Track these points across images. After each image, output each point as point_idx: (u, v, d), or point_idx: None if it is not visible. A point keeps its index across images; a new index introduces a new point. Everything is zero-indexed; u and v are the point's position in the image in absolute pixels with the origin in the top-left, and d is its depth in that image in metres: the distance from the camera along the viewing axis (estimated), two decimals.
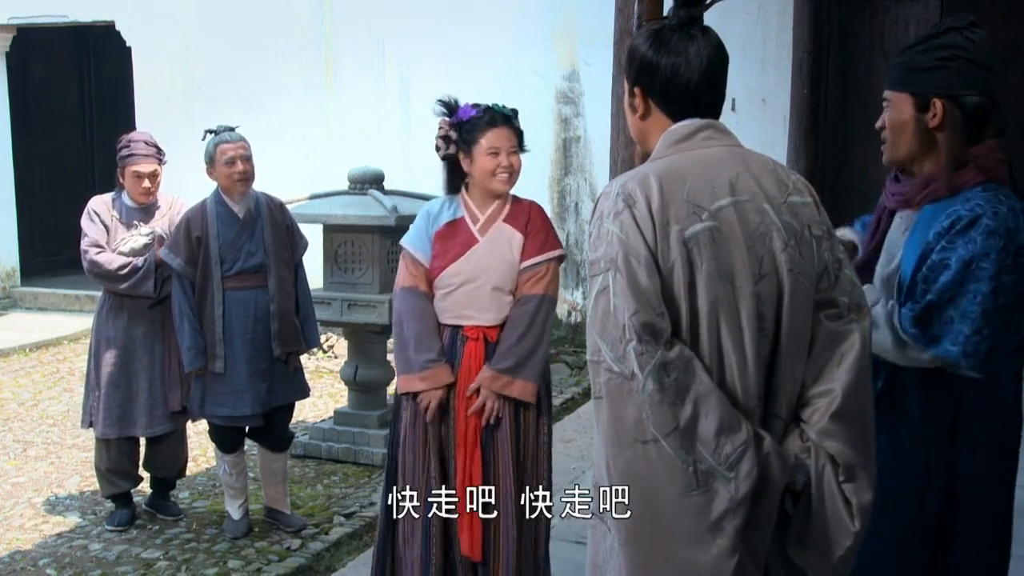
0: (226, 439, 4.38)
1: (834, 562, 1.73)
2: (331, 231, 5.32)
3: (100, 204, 4.47)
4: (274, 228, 4.33)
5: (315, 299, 5.11)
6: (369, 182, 5.39)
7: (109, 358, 4.39)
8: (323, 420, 5.84)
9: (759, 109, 6.63)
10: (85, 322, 8.90)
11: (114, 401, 4.38)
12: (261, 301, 4.25)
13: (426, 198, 5.60)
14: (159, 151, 4.50)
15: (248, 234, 4.26)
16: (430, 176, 7.12)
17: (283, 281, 4.32)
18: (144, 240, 4.38)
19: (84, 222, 4.41)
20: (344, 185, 5.49)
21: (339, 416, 5.52)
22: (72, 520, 4.67)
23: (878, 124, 2.34)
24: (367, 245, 5.25)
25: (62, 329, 8.74)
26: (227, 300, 4.20)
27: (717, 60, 1.83)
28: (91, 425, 4.47)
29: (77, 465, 5.44)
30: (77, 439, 5.87)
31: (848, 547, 1.72)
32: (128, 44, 8.90)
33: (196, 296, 4.22)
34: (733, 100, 6.46)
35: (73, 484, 5.16)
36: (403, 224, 5.24)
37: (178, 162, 8.48)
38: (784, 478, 1.71)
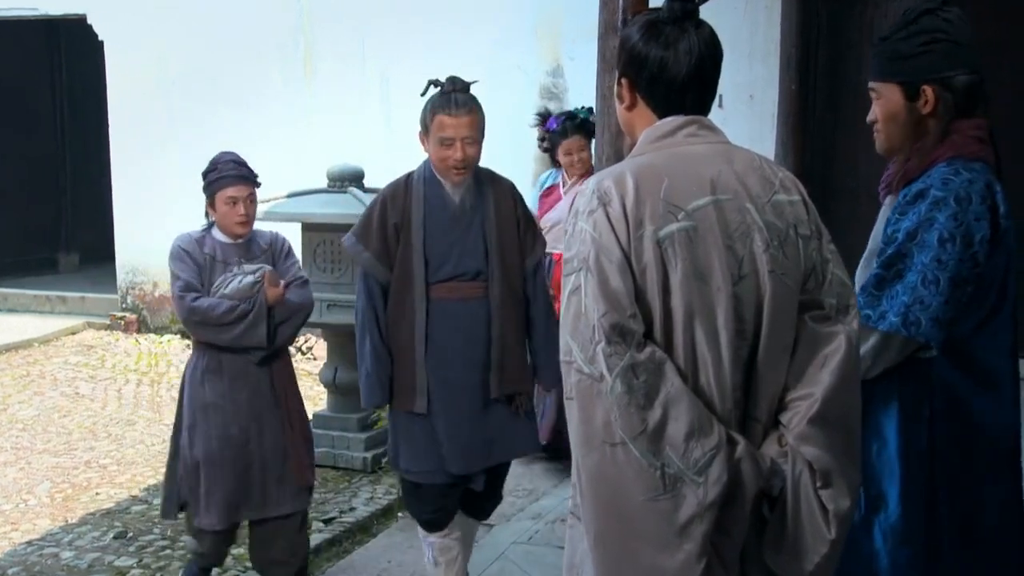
0: (426, 509, 3.48)
1: (810, 569, 1.74)
2: (309, 230, 5.31)
3: (188, 242, 3.68)
4: (501, 221, 3.42)
5: None
6: (349, 180, 5.38)
7: (209, 431, 3.61)
8: None
9: (746, 105, 6.64)
10: (56, 324, 8.86)
11: (217, 483, 3.59)
12: (478, 318, 3.38)
13: None
14: (251, 171, 3.72)
15: (464, 227, 3.39)
16: None
17: (508, 295, 3.41)
18: (251, 279, 3.59)
19: (173, 263, 3.66)
20: (323, 183, 5.47)
21: (318, 419, 5.49)
22: (43, 527, 4.65)
23: (869, 118, 2.35)
24: None
25: (33, 331, 8.67)
26: (432, 314, 3.35)
27: (709, 57, 1.83)
28: (181, 510, 3.73)
29: (47, 470, 5.41)
30: (48, 444, 5.84)
31: (824, 554, 1.73)
32: (100, 38, 8.83)
33: (389, 307, 3.41)
34: (720, 96, 6.38)
35: (43, 490, 5.13)
36: None
37: (155, 164, 8.51)
38: (758, 483, 1.71)
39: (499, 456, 3.46)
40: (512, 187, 3.53)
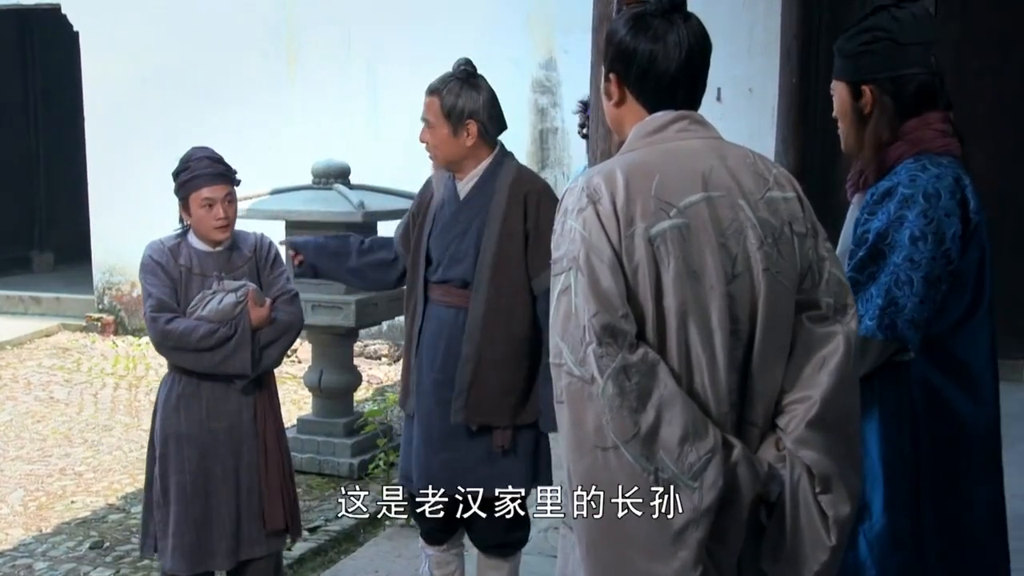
0: (420, 519, 3.35)
1: None
2: (293, 228, 5.31)
3: (160, 251, 3.37)
4: (504, 229, 3.10)
5: None
6: (334, 176, 5.39)
7: (182, 464, 3.33)
8: (286, 428, 5.80)
9: (745, 99, 6.67)
10: (30, 325, 8.84)
11: (186, 523, 3.32)
12: (462, 331, 3.13)
13: (395, 193, 5.60)
14: (228, 168, 3.39)
15: (461, 229, 3.15)
16: (399, 169, 7.15)
17: (497, 313, 3.10)
18: (233, 299, 3.29)
19: (144, 277, 3.37)
20: (307, 179, 5.48)
21: (302, 424, 5.51)
22: (15, 537, 4.64)
23: (834, 115, 2.39)
24: None
25: (5, 333, 8.66)
26: (427, 315, 3.20)
27: (698, 50, 1.84)
28: (156, 551, 3.46)
29: (20, 478, 5.41)
30: (21, 450, 5.83)
31: (824, 562, 1.74)
32: (75, 29, 8.82)
33: (405, 298, 3.31)
34: (719, 90, 6.49)
35: (16, 499, 5.13)
36: (370, 220, 5.25)
37: (133, 160, 8.49)
38: (755, 488, 1.72)
39: (470, 485, 3.09)
40: (530, 193, 3.11)
